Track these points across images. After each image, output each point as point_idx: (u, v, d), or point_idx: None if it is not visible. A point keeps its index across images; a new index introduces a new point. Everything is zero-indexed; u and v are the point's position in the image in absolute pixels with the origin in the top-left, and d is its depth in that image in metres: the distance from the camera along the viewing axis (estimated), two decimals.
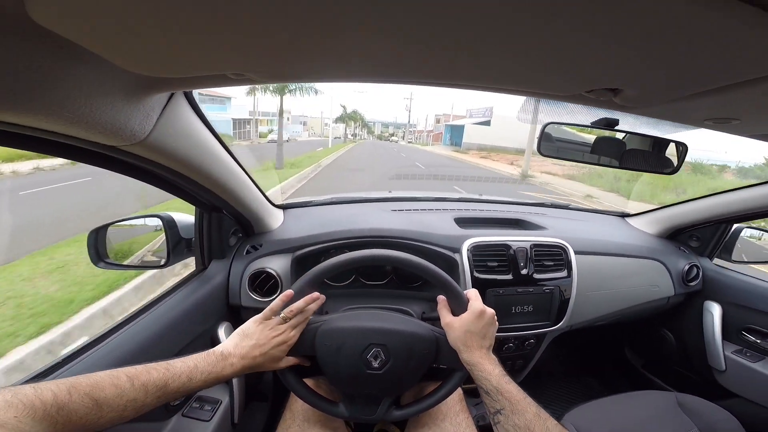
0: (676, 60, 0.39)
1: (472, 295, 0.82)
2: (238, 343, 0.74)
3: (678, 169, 0.84)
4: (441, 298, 0.84)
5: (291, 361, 0.79)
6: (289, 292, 0.79)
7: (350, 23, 0.35)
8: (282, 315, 0.77)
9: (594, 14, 0.30)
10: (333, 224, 1.26)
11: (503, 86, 0.57)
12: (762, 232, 1.51)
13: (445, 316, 0.82)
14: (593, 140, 0.85)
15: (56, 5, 0.32)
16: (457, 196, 1.79)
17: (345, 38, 0.39)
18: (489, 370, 0.73)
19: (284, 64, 0.50)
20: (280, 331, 0.76)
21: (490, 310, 0.80)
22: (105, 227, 0.96)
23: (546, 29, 0.34)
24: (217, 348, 0.72)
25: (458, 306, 0.81)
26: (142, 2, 0.31)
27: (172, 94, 0.63)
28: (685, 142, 0.84)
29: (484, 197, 1.80)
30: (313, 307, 0.80)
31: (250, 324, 0.77)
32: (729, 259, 1.55)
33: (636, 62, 0.41)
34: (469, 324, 0.78)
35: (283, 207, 1.40)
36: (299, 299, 0.78)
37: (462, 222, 1.39)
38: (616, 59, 0.41)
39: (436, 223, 1.33)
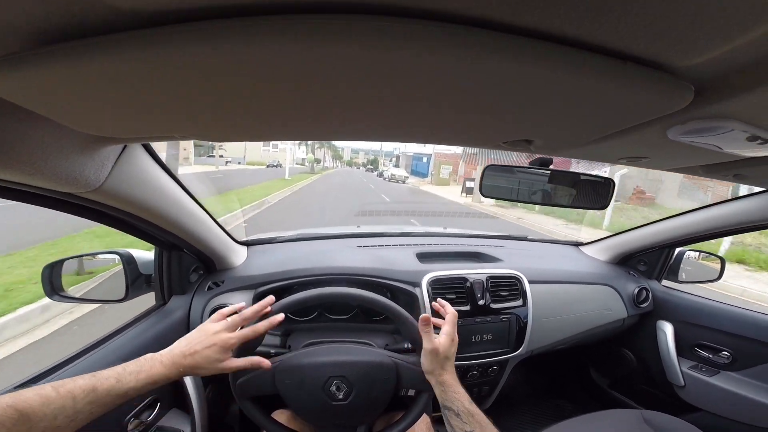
0: (570, 117, 0.43)
1: (450, 320, 0.82)
2: (172, 345, 0.71)
3: (607, 205, 0.89)
4: (425, 316, 0.79)
5: (235, 363, 0.72)
6: (242, 305, 0.79)
7: (287, 99, 0.38)
8: (228, 319, 0.74)
9: (494, 89, 0.34)
10: (296, 261, 1.26)
11: (438, 139, 0.62)
12: (701, 253, 1.58)
13: (431, 341, 0.78)
14: (530, 180, 0.89)
15: (15, 81, 0.34)
16: (421, 230, 1.82)
17: (282, 111, 0.42)
18: (461, 392, 0.74)
19: (230, 130, 0.53)
20: (215, 330, 0.72)
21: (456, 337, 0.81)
22: (60, 262, 0.96)
23: (460, 99, 0.38)
24: (149, 354, 0.69)
25: (415, 342, 0.82)
26: (88, 83, 0.34)
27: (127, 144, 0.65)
28: (612, 179, 0.89)
29: (447, 230, 1.83)
30: (265, 325, 0.75)
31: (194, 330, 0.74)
32: (676, 280, 1.60)
33: (538, 121, 0.47)
34: (447, 350, 0.78)
35: (248, 244, 1.39)
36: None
37: (423, 257, 1.42)
38: (521, 120, 0.46)
39: (398, 259, 1.35)
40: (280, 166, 39.29)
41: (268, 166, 40.66)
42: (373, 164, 73.47)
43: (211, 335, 0.71)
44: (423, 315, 0.81)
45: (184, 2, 0.25)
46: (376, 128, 0.52)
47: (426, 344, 0.78)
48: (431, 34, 0.26)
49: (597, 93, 0.35)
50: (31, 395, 0.50)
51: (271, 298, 0.80)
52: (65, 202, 0.65)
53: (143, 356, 0.67)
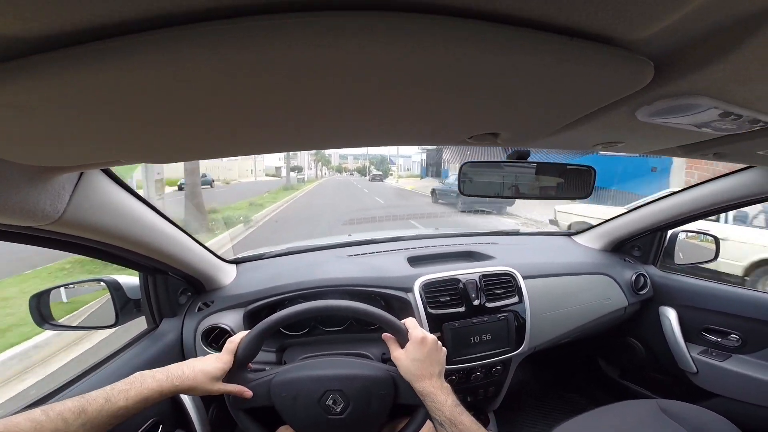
0: (532, 103, 0.41)
1: (410, 324, 0.82)
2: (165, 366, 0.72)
3: (590, 193, 0.87)
4: (386, 335, 0.83)
5: (229, 388, 0.75)
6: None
7: (238, 112, 0.36)
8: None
9: (453, 80, 0.32)
10: (286, 276, 1.24)
11: (401, 141, 0.60)
12: (693, 233, 1.55)
13: (393, 351, 0.81)
14: (509, 174, 0.87)
15: None
16: (412, 233, 1.79)
17: (230, 123, 0.39)
18: (442, 400, 0.71)
19: (179, 150, 0.51)
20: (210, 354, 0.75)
21: (431, 336, 0.79)
22: (48, 291, 0.95)
23: (424, 100, 0.36)
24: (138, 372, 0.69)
25: (401, 338, 0.81)
26: (7, 112, 0.31)
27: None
28: (592, 166, 0.87)
29: (438, 232, 1.81)
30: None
31: None
32: (672, 263, 1.58)
33: (500, 111, 0.44)
34: (413, 353, 0.77)
35: (236, 262, 1.36)
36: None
37: (414, 260, 1.39)
38: (483, 112, 0.44)
39: (389, 266, 1.33)
40: (211, 184, 23.08)
41: (180, 188, 14.13)
42: (380, 168, 53.12)
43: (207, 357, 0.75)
44: (384, 334, 0.83)
45: (84, 20, 0.23)
46: (331, 135, 0.50)
47: (391, 354, 0.80)
48: (375, 25, 0.24)
49: (554, 75, 0.33)
50: (22, 420, 0.50)
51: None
52: (27, 235, 0.62)
53: (133, 374, 0.67)
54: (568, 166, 0.86)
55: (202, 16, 0.23)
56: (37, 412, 0.52)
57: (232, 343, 0.79)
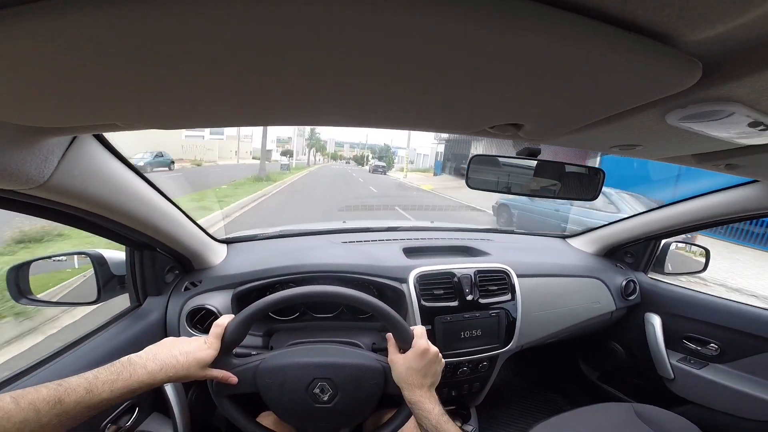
0: (565, 95, 0.39)
1: (418, 332, 0.80)
2: (150, 348, 0.67)
3: (597, 196, 0.86)
4: (390, 336, 0.81)
5: (215, 373, 0.72)
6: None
7: (245, 76, 0.33)
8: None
9: (483, 59, 0.30)
10: (277, 259, 1.21)
11: (417, 126, 0.57)
12: (685, 244, 1.57)
13: (392, 354, 0.79)
14: (518, 172, 0.86)
15: None
16: (408, 224, 1.78)
17: (235, 85, 0.36)
18: (428, 408, 0.71)
19: (183, 115, 0.47)
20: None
21: (434, 349, 0.78)
22: (27, 264, 0.90)
23: (444, 78, 0.34)
24: (125, 356, 0.63)
25: (404, 342, 0.79)
26: (9, 66, 0.29)
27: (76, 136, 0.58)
28: (602, 169, 0.85)
29: (434, 225, 1.80)
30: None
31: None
32: (662, 272, 1.60)
33: (530, 100, 0.42)
34: (411, 362, 0.75)
35: (227, 242, 1.33)
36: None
37: (409, 252, 1.38)
38: (510, 99, 0.41)
39: (384, 255, 1.31)
40: (170, 166, 17.60)
41: None
42: (382, 158, 46.27)
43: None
44: (387, 334, 0.81)
45: None
46: (352, 113, 0.47)
47: (389, 356, 0.79)
48: None
49: (596, 67, 0.31)
50: None
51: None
52: (8, 199, 0.58)
53: (120, 360, 0.61)
54: (579, 167, 0.85)
55: None
56: (6, 399, 0.47)
57: (219, 327, 0.75)
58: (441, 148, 30.29)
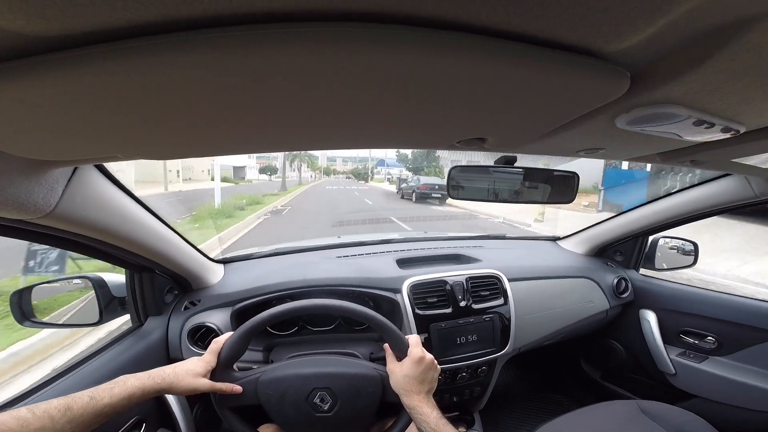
0: (515, 111, 0.43)
1: (413, 341, 0.82)
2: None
3: (574, 198, 0.89)
4: (386, 345, 0.84)
5: (219, 386, 0.76)
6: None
7: (233, 113, 0.37)
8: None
9: (443, 87, 0.34)
10: (274, 276, 1.23)
11: (392, 144, 0.61)
12: (673, 239, 1.59)
13: (390, 363, 0.82)
14: (496, 180, 0.89)
15: None
16: (401, 236, 1.80)
17: (228, 125, 0.40)
18: (427, 413, 0.73)
19: (177, 148, 0.51)
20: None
21: (429, 356, 0.80)
22: (29, 288, 0.94)
23: (416, 104, 0.37)
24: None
25: (400, 351, 0.81)
26: (11, 107, 0.32)
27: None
28: (576, 172, 0.89)
29: (427, 234, 1.82)
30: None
31: None
32: (653, 268, 1.61)
33: (487, 118, 0.45)
34: (407, 370, 0.78)
35: (224, 261, 1.36)
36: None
37: (403, 263, 1.40)
38: (470, 118, 0.45)
39: (378, 267, 1.33)
40: None
41: None
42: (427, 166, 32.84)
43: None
44: (384, 344, 0.84)
45: (101, 22, 0.23)
46: (326, 136, 0.50)
47: (387, 365, 0.82)
48: (379, 37, 0.26)
49: (539, 85, 0.35)
50: (8, 419, 0.50)
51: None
52: (17, 228, 0.62)
53: (117, 377, 0.67)
54: (554, 172, 0.88)
55: (208, 23, 0.25)
56: (23, 411, 0.52)
57: (217, 343, 0.80)
58: None
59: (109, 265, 0.93)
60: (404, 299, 1.19)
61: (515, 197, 0.88)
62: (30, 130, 0.39)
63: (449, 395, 1.31)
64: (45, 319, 0.99)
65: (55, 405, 0.55)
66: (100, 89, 0.29)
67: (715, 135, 0.53)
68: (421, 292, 1.22)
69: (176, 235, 0.98)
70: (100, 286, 1.00)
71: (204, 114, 0.37)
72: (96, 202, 0.67)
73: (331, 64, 0.28)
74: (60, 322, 1.07)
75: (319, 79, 0.30)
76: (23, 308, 0.92)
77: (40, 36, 0.24)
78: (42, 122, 0.36)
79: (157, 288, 1.08)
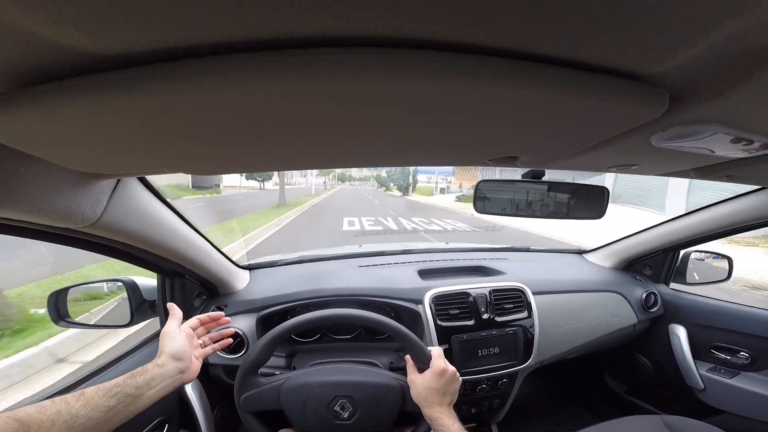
0: (550, 132, 0.43)
1: (435, 353, 0.82)
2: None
3: (604, 214, 0.87)
4: (408, 357, 0.84)
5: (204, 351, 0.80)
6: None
7: (271, 132, 0.38)
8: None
9: (477, 110, 0.34)
10: (298, 284, 1.25)
11: (425, 162, 0.62)
12: (706, 254, 1.53)
13: (411, 374, 0.82)
14: (524, 194, 0.88)
15: (1, 122, 0.34)
16: (424, 246, 1.79)
17: (272, 144, 0.42)
18: (448, 424, 0.73)
19: (217, 164, 0.54)
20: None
21: (452, 368, 0.80)
22: (66, 289, 0.97)
23: (447, 122, 0.38)
24: None
25: (422, 363, 0.82)
26: (70, 123, 0.33)
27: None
28: (606, 187, 0.87)
29: (449, 246, 1.81)
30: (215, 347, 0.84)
31: None
32: (684, 282, 1.56)
33: (521, 138, 0.46)
34: (429, 381, 0.78)
35: (250, 268, 1.38)
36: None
37: (425, 273, 1.39)
38: (505, 138, 0.46)
39: (400, 278, 1.33)
40: None
41: None
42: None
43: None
44: (405, 355, 0.84)
45: (159, 42, 0.25)
46: (365, 154, 0.51)
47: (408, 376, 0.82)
48: (416, 63, 0.26)
49: (575, 107, 0.35)
50: (27, 405, 0.53)
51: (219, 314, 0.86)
52: (65, 236, 0.65)
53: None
54: (582, 186, 0.87)
55: (258, 46, 0.26)
56: (43, 401, 0.55)
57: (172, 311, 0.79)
58: None
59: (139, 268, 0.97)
60: (426, 310, 1.19)
61: (541, 211, 0.86)
62: (85, 145, 0.41)
63: (467, 406, 1.30)
64: (78, 320, 1.03)
65: (71, 394, 0.58)
66: (157, 108, 0.30)
67: (754, 151, 0.51)
68: (443, 304, 1.21)
69: (207, 242, 1.01)
70: (132, 289, 1.03)
71: (250, 133, 0.38)
72: (137, 211, 0.71)
73: (379, 88, 0.29)
74: (92, 323, 1.11)
75: (364, 102, 0.31)
76: (59, 309, 0.96)
77: (101, 54, 0.26)
78: (97, 138, 0.38)
79: (186, 292, 1.11)
